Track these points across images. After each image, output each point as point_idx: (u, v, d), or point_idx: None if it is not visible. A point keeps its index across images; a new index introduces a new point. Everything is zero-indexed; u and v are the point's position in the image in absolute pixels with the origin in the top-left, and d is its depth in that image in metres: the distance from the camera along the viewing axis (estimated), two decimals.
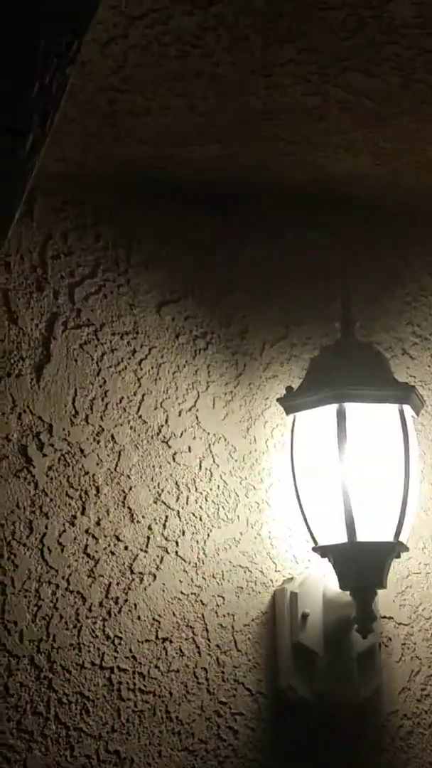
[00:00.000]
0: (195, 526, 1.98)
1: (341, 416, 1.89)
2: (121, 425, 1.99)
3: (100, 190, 2.08)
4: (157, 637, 1.92)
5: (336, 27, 1.71)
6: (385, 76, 1.83)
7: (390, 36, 1.73)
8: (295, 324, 2.13)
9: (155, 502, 1.97)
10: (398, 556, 1.91)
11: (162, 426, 2.01)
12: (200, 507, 1.99)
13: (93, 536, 1.93)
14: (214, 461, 2.02)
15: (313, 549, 1.93)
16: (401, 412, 1.92)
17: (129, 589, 1.93)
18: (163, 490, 1.98)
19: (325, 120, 1.94)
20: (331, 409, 1.90)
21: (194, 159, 2.05)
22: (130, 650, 1.90)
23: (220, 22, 1.68)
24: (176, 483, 1.99)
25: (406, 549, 1.92)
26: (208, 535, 1.99)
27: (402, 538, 1.89)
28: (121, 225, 2.08)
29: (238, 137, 1.99)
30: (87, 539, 1.92)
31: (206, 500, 2.00)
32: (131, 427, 1.99)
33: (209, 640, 1.94)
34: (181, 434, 2.02)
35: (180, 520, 1.98)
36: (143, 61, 1.76)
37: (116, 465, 1.97)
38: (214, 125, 1.95)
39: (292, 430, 1.96)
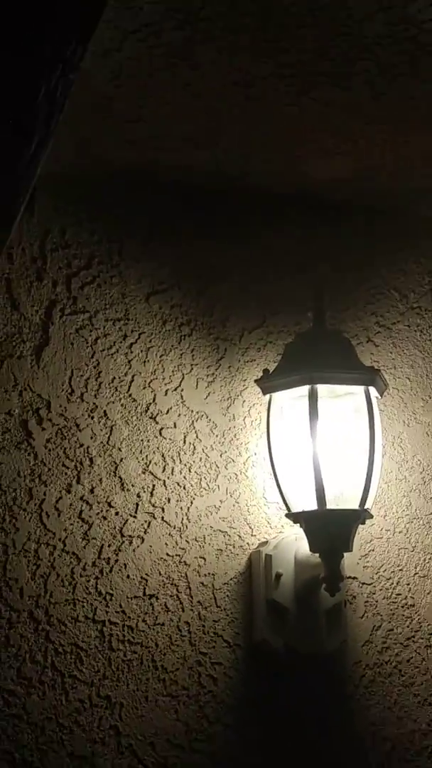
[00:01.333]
0: (179, 495, 2.00)
1: (313, 396, 1.90)
2: (113, 403, 2.00)
3: (95, 189, 2.08)
4: (144, 594, 1.94)
5: (312, 44, 1.72)
6: (357, 89, 1.84)
7: (361, 53, 1.74)
8: (272, 313, 2.14)
9: (143, 473, 1.99)
10: (363, 523, 1.92)
11: (150, 404, 2.02)
12: (184, 477, 2.01)
13: (87, 503, 1.94)
14: (197, 436, 2.03)
15: (287, 515, 1.95)
16: (367, 393, 1.94)
17: (119, 550, 1.94)
18: (150, 462, 1.99)
19: (300, 129, 1.95)
20: (304, 389, 1.91)
21: (181, 163, 2.06)
22: (120, 606, 1.92)
23: (207, 37, 1.69)
24: (162, 455, 2.00)
25: (371, 516, 1.94)
26: (191, 502, 2.00)
27: (367, 506, 1.91)
28: (114, 222, 2.08)
29: (222, 143, 2.01)
30: (81, 505, 1.94)
31: (189, 471, 2.01)
32: (122, 405, 2.00)
33: (192, 597, 1.96)
34: (168, 411, 2.03)
35: (166, 489, 1.99)
36: (136, 72, 1.77)
37: (108, 438, 1.98)
38: (200, 132, 1.96)
39: (269, 409, 1.98)
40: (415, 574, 2.10)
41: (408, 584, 2.09)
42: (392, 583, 2.08)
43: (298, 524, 1.92)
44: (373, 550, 2.08)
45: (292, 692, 1.98)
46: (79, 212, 2.06)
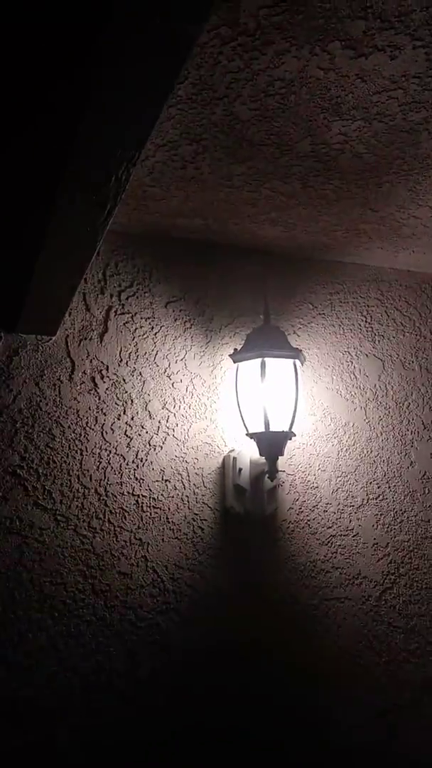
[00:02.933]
0: (183, 421, 2.00)
1: (263, 364, 1.92)
2: (144, 367, 1.99)
3: (135, 239, 2.06)
4: (162, 479, 1.94)
5: (267, 156, 1.72)
6: (292, 184, 1.83)
7: (295, 161, 1.74)
8: (238, 315, 2.14)
9: (162, 408, 1.98)
10: (290, 439, 1.94)
11: (167, 368, 2.02)
12: (186, 411, 2.01)
13: (129, 426, 1.94)
14: (194, 387, 2.03)
15: (246, 434, 1.96)
16: (294, 363, 1.95)
17: (148, 453, 1.94)
18: (166, 402, 1.99)
19: (258, 206, 1.94)
20: (258, 360, 1.93)
21: (187, 225, 2.05)
22: (148, 486, 1.92)
23: (205, 150, 1.69)
24: (174, 398, 2.00)
25: (294, 435, 1.95)
26: (190, 426, 2.00)
27: (293, 430, 1.93)
28: (147, 259, 2.07)
29: (212, 214, 1.99)
30: (126, 427, 1.94)
31: (189, 408, 2.01)
32: (150, 368, 2.00)
33: (190, 481, 1.97)
34: (177, 372, 2.03)
35: (175, 418, 1.99)
36: (162, 169, 1.76)
37: (142, 388, 1.98)
38: (199, 207, 1.95)
39: (236, 372, 1.99)
40: (318, 468, 2.12)
41: (314, 475, 2.10)
42: (305, 474, 2.10)
43: (253, 439, 1.94)
44: (294, 455, 2.10)
45: (246, 536, 1.99)
46: (126, 253, 2.04)
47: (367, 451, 2.16)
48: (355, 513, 2.11)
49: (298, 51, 1.40)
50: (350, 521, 2.10)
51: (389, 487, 2.16)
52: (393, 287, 2.33)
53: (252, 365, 1.93)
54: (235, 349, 1.99)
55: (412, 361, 2.29)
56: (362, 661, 2.01)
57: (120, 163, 1.13)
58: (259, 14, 1.31)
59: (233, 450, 2.01)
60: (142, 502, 1.90)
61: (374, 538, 2.10)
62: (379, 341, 2.27)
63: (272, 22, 1.33)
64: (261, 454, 1.91)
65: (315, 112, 1.57)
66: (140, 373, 1.97)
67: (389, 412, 2.22)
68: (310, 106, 1.55)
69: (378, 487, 2.15)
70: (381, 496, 2.14)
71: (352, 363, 2.23)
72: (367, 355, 2.25)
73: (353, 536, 2.09)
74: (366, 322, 2.28)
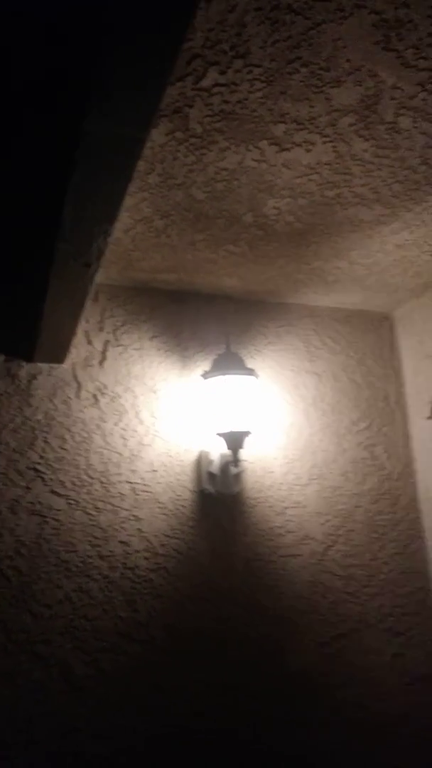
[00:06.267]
0: (168, 425, 1.98)
1: (225, 381, 1.92)
2: (135, 386, 1.99)
3: (126, 291, 2.08)
4: (152, 470, 1.92)
5: (220, 226, 1.73)
6: (242, 247, 1.85)
7: (242, 231, 1.76)
8: (206, 345, 2.14)
9: (151, 417, 1.98)
10: (247, 436, 1.93)
11: (153, 386, 2.01)
12: (169, 418, 2.00)
13: (125, 430, 1.93)
14: (175, 400, 2.02)
15: (216, 434, 1.95)
16: (250, 379, 1.95)
17: (140, 450, 1.92)
18: (153, 411, 1.98)
19: (218, 264, 1.96)
20: (222, 377, 1.93)
21: (164, 279, 2.06)
22: (141, 476, 1.90)
23: (173, 222, 1.70)
24: (159, 408, 1.99)
25: (251, 432, 1.94)
26: (172, 429, 1.99)
27: (249, 429, 1.93)
28: (135, 305, 2.08)
29: (183, 270, 2.01)
30: (121, 431, 1.92)
31: (171, 415, 2.00)
32: (140, 387, 1.99)
33: (173, 470, 1.95)
34: (161, 389, 2.02)
35: (161, 423, 1.98)
36: (142, 238, 1.78)
37: (134, 402, 1.97)
38: (173, 265, 1.96)
39: (207, 387, 1.98)
40: (272, 457, 2.12)
41: (269, 462, 2.10)
42: (262, 462, 2.10)
43: (221, 437, 1.94)
44: (253, 448, 2.09)
45: (217, 509, 1.99)
46: (119, 301, 2.05)
47: (309, 443, 2.17)
48: (302, 490, 2.12)
49: (236, 148, 1.43)
50: (298, 496, 2.10)
51: (327, 469, 2.16)
52: (324, 320, 2.35)
53: (218, 381, 1.94)
54: (205, 371, 1.99)
55: (341, 375, 2.31)
56: (312, 601, 2.00)
57: (98, 235, 1.15)
58: (204, 121, 1.34)
59: (206, 446, 2.01)
60: (136, 488, 1.89)
61: (317, 509, 2.11)
62: (315, 360, 2.29)
63: (215, 127, 1.36)
64: (227, 448, 1.91)
65: (253, 192, 1.59)
66: (132, 390, 1.97)
67: (325, 413, 2.23)
68: (249, 189, 1.58)
69: (319, 470, 2.15)
70: (321, 476, 2.15)
71: (295, 378, 2.25)
72: (306, 372, 2.26)
73: (301, 507, 2.09)
74: (305, 347, 2.30)
